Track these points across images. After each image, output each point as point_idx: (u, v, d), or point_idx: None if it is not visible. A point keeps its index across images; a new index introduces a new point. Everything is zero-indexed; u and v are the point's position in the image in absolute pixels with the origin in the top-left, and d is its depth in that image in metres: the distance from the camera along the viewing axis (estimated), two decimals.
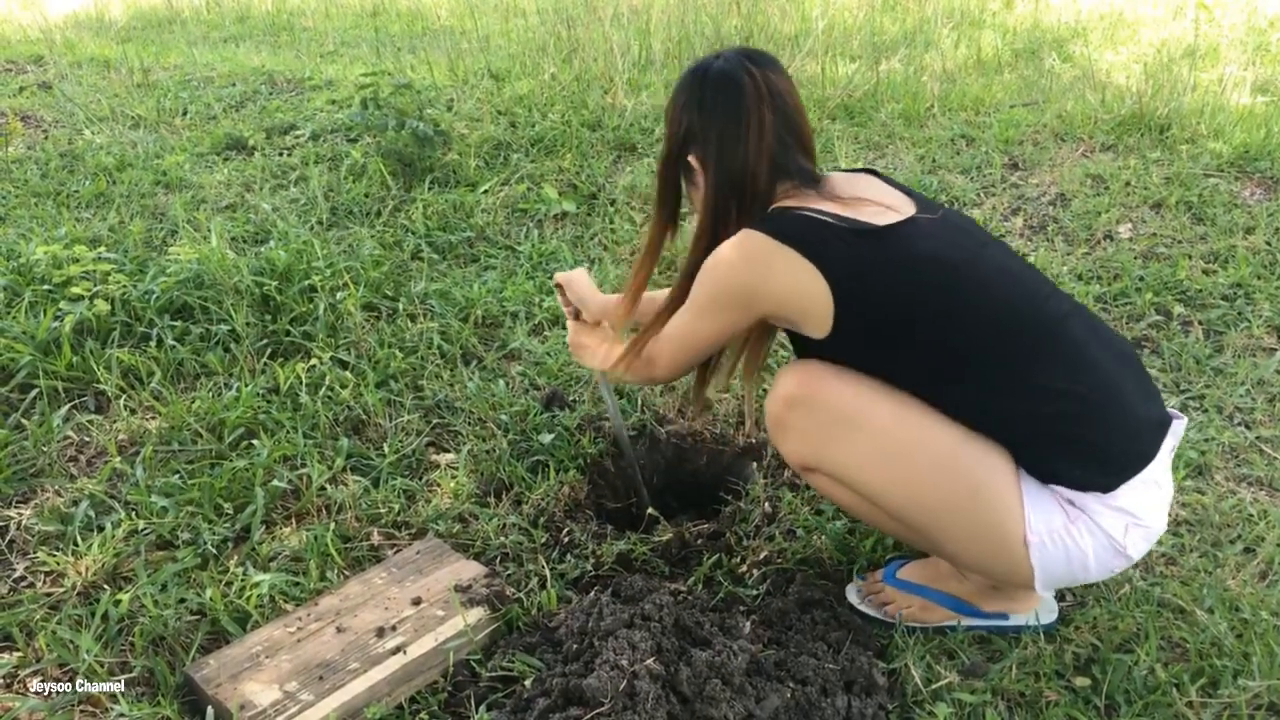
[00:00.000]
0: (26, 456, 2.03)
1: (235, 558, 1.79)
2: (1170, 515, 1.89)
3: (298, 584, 1.73)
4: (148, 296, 2.53)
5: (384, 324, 2.61)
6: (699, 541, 1.89)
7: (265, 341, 2.47)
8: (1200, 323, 2.57)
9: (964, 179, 3.50)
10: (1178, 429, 1.47)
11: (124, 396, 2.24)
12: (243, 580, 1.72)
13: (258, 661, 1.52)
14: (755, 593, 1.72)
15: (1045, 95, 4.32)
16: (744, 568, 1.80)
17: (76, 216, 3.22)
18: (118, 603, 1.65)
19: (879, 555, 1.80)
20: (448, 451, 2.16)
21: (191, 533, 1.84)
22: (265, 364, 2.39)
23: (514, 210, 3.35)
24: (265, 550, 1.81)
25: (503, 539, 1.86)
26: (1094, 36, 5.41)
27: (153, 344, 2.41)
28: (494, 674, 1.54)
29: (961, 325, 1.39)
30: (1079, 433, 1.37)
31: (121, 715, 1.45)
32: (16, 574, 1.76)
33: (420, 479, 2.06)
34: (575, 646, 1.52)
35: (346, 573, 1.78)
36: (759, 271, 1.43)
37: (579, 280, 1.93)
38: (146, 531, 1.83)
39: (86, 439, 2.13)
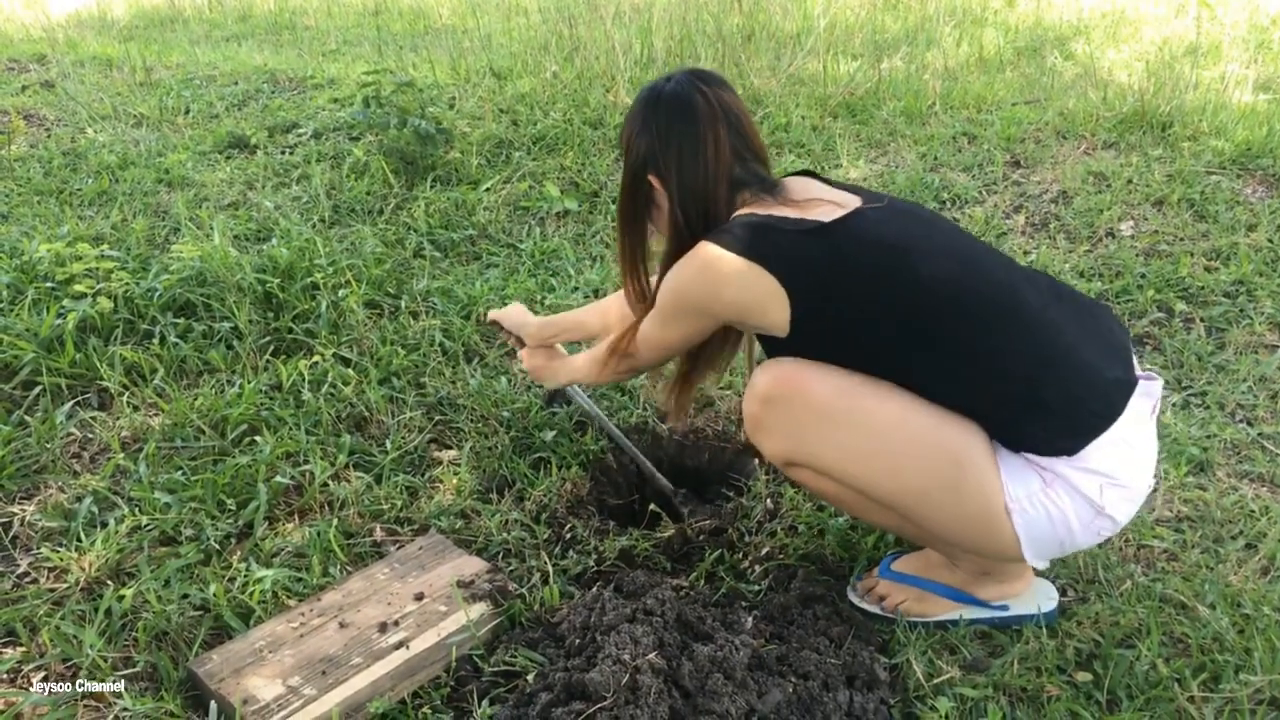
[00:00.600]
0: (30, 453, 2.04)
1: (238, 553, 1.79)
2: (1172, 509, 1.89)
3: (300, 579, 1.74)
4: (150, 294, 2.54)
5: (386, 321, 2.61)
6: (701, 537, 1.89)
7: (268, 339, 2.47)
8: (1202, 320, 2.57)
9: (966, 177, 3.50)
10: (1152, 389, 1.48)
11: (127, 393, 2.24)
12: (246, 576, 1.73)
13: (261, 656, 1.53)
14: (757, 588, 1.72)
15: (1047, 93, 4.32)
16: (746, 563, 1.80)
17: (79, 214, 3.23)
18: (121, 598, 1.65)
19: (880, 551, 1.80)
20: (450, 448, 2.16)
21: (194, 529, 1.84)
22: (268, 361, 2.39)
23: (516, 208, 3.35)
24: (268, 546, 1.81)
25: (505, 535, 1.87)
26: (1096, 34, 5.40)
27: (155, 341, 2.41)
28: (496, 669, 1.54)
29: (914, 305, 1.41)
30: (1039, 396, 1.40)
31: (125, 710, 1.46)
32: (20, 570, 1.76)
33: (422, 475, 2.06)
34: (577, 641, 1.52)
35: (349, 568, 1.78)
36: (714, 281, 1.47)
37: (512, 312, 2.08)
38: (149, 527, 1.84)
39: (90, 436, 2.13)
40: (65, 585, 1.71)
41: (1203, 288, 2.70)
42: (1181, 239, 2.97)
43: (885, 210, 1.49)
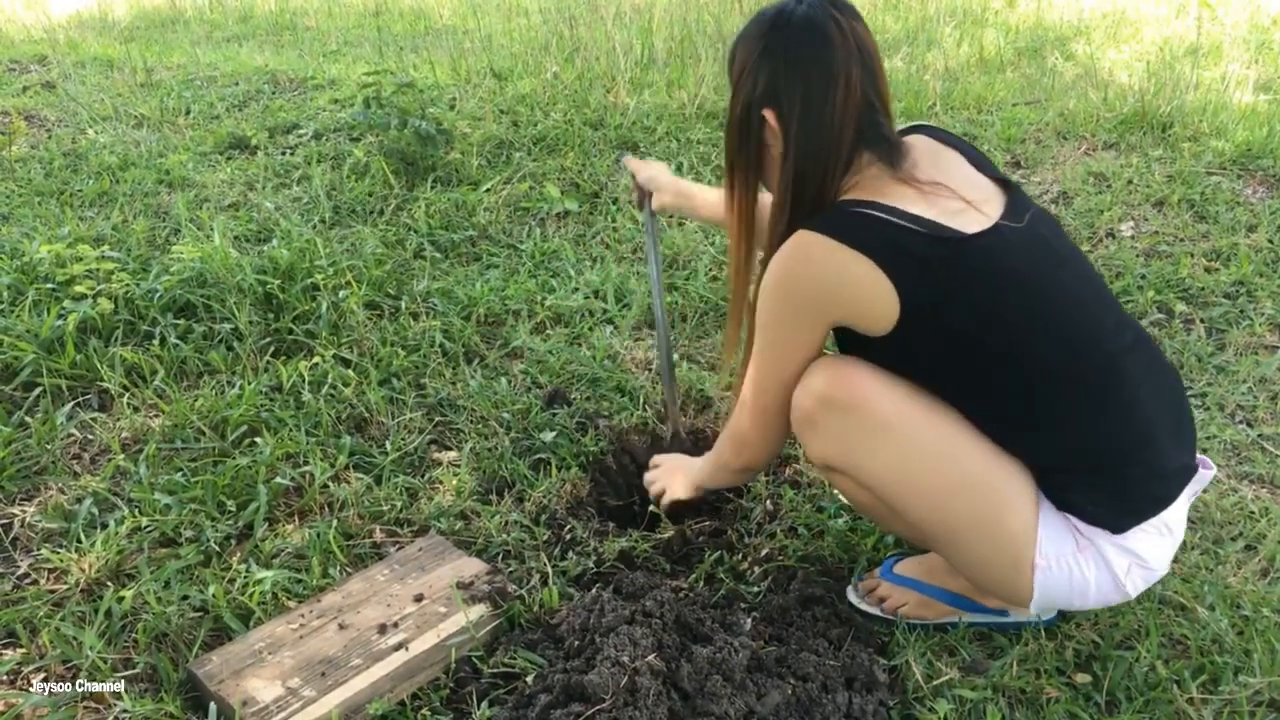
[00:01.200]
0: (30, 454, 2.04)
1: (238, 555, 1.80)
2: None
3: (300, 581, 1.74)
4: (151, 295, 2.54)
5: (386, 322, 2.61)
6: (700, 539, 1.89)
7: (268, 340, 2.47)
8: (1202, 320, 2.57)
9: None
10: (1203, 477, 1.44)
11: (127, 394, 2.24)
12: (245, 577, 1.73)
13: (260, 658, 1.53)
14: (756, 589, 1.72)
15: (1047, 93, 4.32)
16: (745, 565, 1.80)
17: (80, 215, 3.23)
18: (121, 600, 1.66)
19: (880, 554, 1.80)
20: (450, 449, 2.16)
21: (194, 530, 1.84)
22: (268, 362, 2.39)
23: (516, 209, 3.35)
24: (268, 547, 1.81)
25: (504, 536, 1.87)
26: (1096, 35, 5.40)
27: (156, 342, 2.41)
28: (496, 670, 1.55)
29: (1028, 352, 1.32)
30: (1104, 472, 1.36)
31: (125, 712, 1.46)
32: (20, 571, 1.76)
33: (422, 476, 2.06)
34: (577, 643, 1.52)
35: (349, 570, 1.78)
36: (829, 278, 1.32)
37: (651, 165, 1.93)
38: (149, 529, 1.84)
39: (90, 437, 2.13)
40: (65, 586, 1.71)
41: (1203, 288, 2.69)
42: (1182, 240, 2.97)
43: (1024, 232, 1.34)
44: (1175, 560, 1.76)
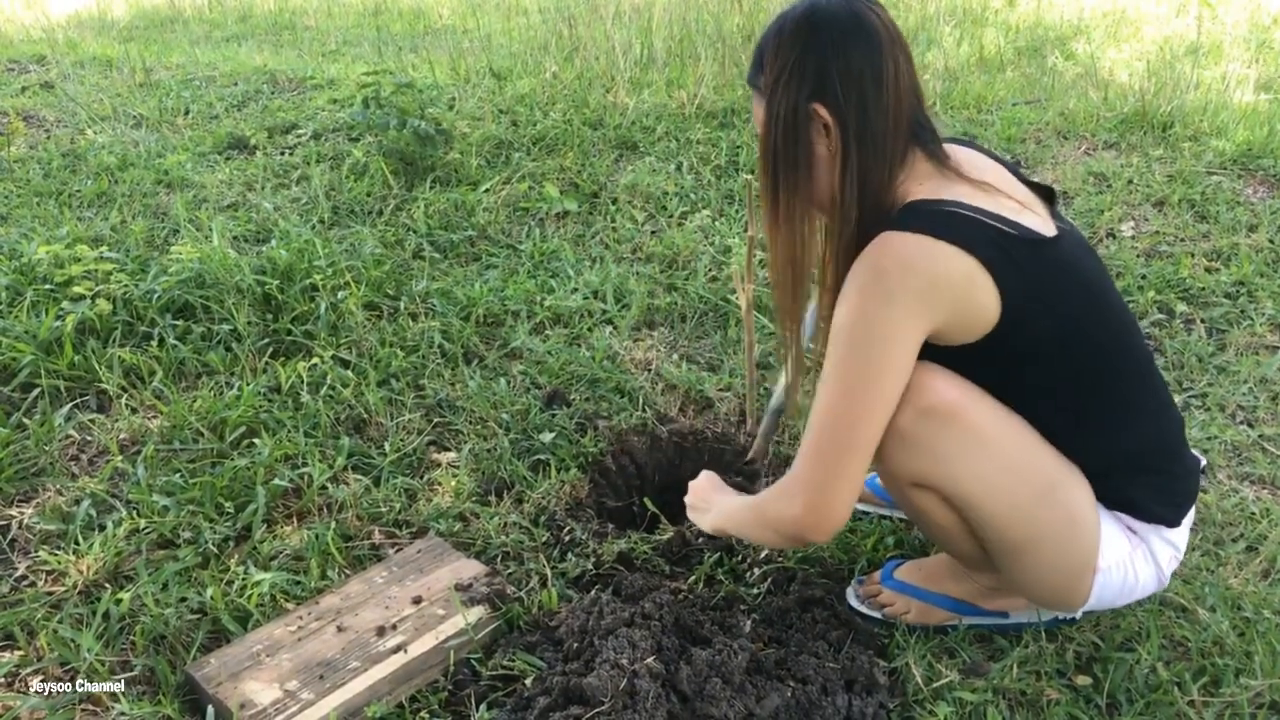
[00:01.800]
0: (28, 455, 2.04)
1: (236, 556, 1.79)
2: None
3: (299, 583, 1.73)
4: (149, 296, 2.53)
5: (385, 323, 2.61)
6: (700, 540, 1.89)
7: (267, 341, 2.47)
8: (1203, 321, 2.57)
9: None
10: (1201, 465, 1.52)
11: (125, 396, 2.24)
12: (244, 579, 1.72)
13: (258, 660, 1.52)
14: (756, 591, 1.72)
15: (1048, 93, 4.31)
16: (745, 566, 1.80)
17: (78, 216, 3.23)
18: (119, 601, 1.65)
19: (880, 555, 1.79)
20: (449, 450, 2.16)
21: (193, 531, 1.84)
22: (267, 363, 2.39)
23: (515, 209, 3.35)
24: (266, 549, 1.81)
25: (503, 538, 1.86)
26: (1097, 34, 5.40)
27: (154, 343, 2.41)
28: (494, 673, 1.54)
29: (1103, 354, 1.33)
30: (1160, 468, 1.40)
31: (122, 714, 1.46)
32: (18, 573, 1.76)
33: (421, 478, 2.06)
34: (576, 645, 1.52)
35: (347, 571, 1.78)
36: (936, 277, 1.21)
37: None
38: (148, 530, 1.83)
39: (88, 438, 2.13)
40: (63, 588, 1.71)
41: (1203, 288, 2.69)
42: (1182, 239, 2.96)
43: (1077, 238, 1.36)
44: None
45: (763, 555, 1.81)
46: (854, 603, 1.68)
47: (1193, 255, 2.84)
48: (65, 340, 2.31)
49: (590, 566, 1.79)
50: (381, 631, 1.58)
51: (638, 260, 3.00)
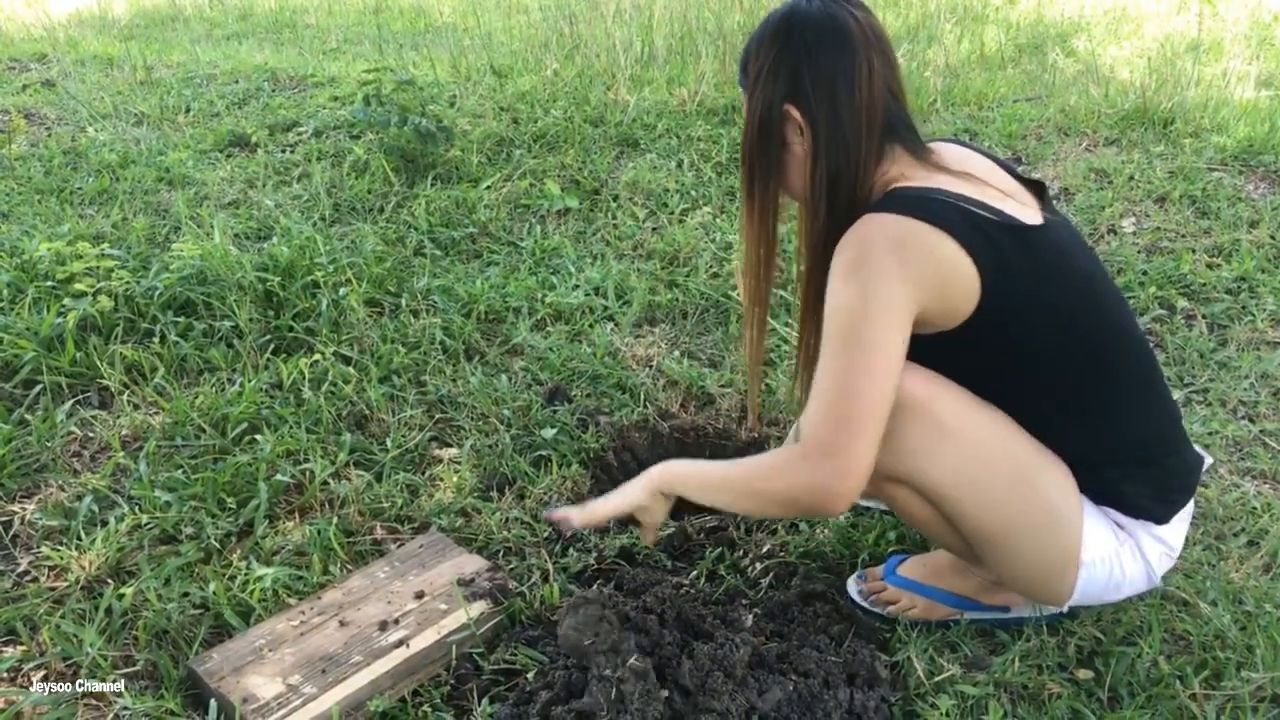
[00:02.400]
0: (30, 452, 2.04)
1: (238, 552, 1.79)
2: None
3: (301, 578, 1.73)
4: (151, 293, 2.53)
5: (386, 320, 2.61)
6: (701, 535, 1.89)
7: (268, 337, 2.47)
8: (1204, 316, 2.57)
9: None
10: (1206, 464, 1.50)
11: (127, 392, 2.24)
12: (246, 574, 1.73)
13: (261, 655, 1.53)
14: (758, 586, 1.72)
15: (1048, 90, 4.31)
16: (746, 561, 1.80)
17: (79, 213, 3.23)
18: (121, 597, 1.65)
19: (881, 549, 1.79)
20: (450, 446, 2.16)
21: (195, 527, 1.84)
22: (268, 359, 2.39)
23: (516, 206, 3.35)
24: (268, 544, 1.81)
25: (505, 533, 1.86)
26: (1097, 31, 5.39)
27: (156, 340, 2.41)
28: (496, 667, 1.54)
29: (1092, 344, 1.33)
30: (1152, 462, 1.38)
31: (125, 709, 1.46)
32: (20, 569, 1.76)
33: (423, 473, 2.06)
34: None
35: (349, 566, 1.78)
36: (919, 253, 1.23)
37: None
38: (150, 526, 1.84)
39: (90, 434, 2.13)
40: (65, 584, 1.71)
41: (1204, 284, 2.69)
42: (1183, 235, 2.96)
43: (1068, 230, 1.35)
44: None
45: (764, 550, 1.81)
46: (856, 597, 1.68)
47: (1194, 251, 2.84)
48: (67, 337, 2.31)
49: (592, 561, 1.79)
50: (384, 626, 1.58)
51: (639, 257, 3.00)
